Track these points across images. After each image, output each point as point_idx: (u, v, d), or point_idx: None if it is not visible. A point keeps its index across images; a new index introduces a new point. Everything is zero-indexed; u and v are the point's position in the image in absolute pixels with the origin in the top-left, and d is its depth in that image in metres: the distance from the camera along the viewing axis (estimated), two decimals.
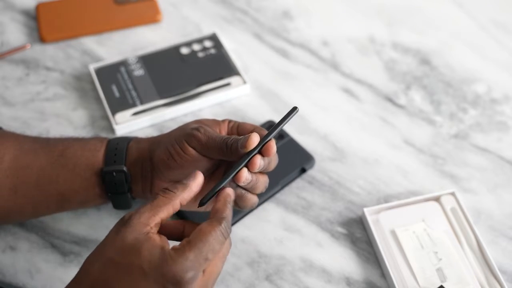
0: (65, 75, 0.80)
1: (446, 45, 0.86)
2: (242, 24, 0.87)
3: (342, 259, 0.65)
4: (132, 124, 0.74)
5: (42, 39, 0.82)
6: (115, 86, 0.77)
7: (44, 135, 0.73)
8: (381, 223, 0.66)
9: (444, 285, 0.61)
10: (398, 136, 0.76)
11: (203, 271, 0.49)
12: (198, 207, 0.53)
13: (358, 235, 0.67)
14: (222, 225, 0.49)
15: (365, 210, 0.66)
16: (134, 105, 0.75)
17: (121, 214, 0.66)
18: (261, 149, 0.54)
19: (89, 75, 0.79)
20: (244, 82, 0.78)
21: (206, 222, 0.49)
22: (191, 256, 0.47)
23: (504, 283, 0.62)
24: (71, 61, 0.81)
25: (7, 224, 0.65)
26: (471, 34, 0.88)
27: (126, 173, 0.60)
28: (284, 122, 0.54)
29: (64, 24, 0.84)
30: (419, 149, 0.74)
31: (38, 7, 0.85)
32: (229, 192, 0.53)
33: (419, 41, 0.86)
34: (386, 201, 0.69)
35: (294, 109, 0.55)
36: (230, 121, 0.60)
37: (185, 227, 0.53)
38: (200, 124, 0.58)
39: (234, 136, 0.55)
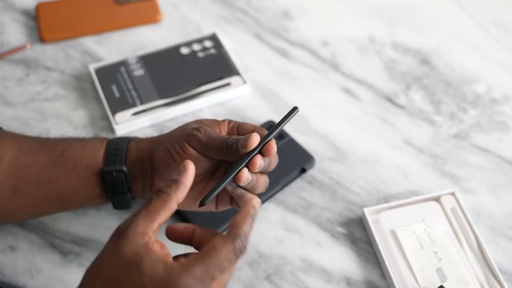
0: (65, 75, 0.80)
1: (446, 45, 0.86)
2: (242, 24, 0.87)
3: (342, 259, 0.65)
4: (132, 124, 0.74)
5: (42, 39, 0.82)
6: (115, 86, 0.77)
7: (44, 135, 0.73)
8: (381, 223, 0.66)
9: (444, 285, 0.61)
10: (398, 136, 0.76)
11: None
12: (198, 207, 0.53)
13: (358, 235, 0.67)
14: (236, 243, 0.46)
15: (365, 210, 0.66)
16: (134, 105, 0.75)
17: (121, 214, 0.67)
18: (262, 149, 0.54)
19: (89, 75, 0.79)
20: (244, 82, 0.78)
21: (220, 237, 0.46)
22: (197, 272, 0.45)
23: (504, 283, 0.62)
24: (71, 61, 0.81)
25: (7, 224, 0.65)
26: (471, 34, 0.88)
27: (126, 173, 0.60)
28: (285, 122, 0.54)
29: (64, 24, 0.84)
30: (419, 149, 0.74)
31: (38, 7, 0.85)
32: (255, 203, 0.49)
33: (419, 41, 0.86)
34: (386, 201, 0.69)
35: (295, 109, 0.55)
36: (230, 121, 0.60)
37: (195, 232, 0.50)
38: (200, 124, 0.58)
39: (235, 136, 0.54)
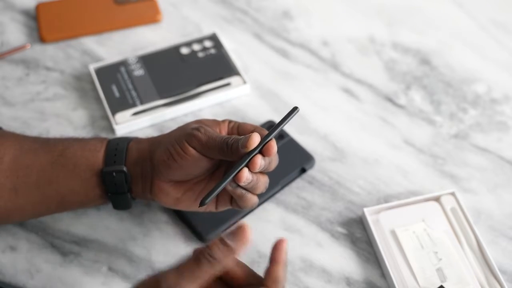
0: (65, 75, 0.80)
1: (446, 45, 0.86)
2: (242, 24, 0.87)
3: (342, 259, 0.65)
4: (132, 124, 0.74)
5: (42, 39, 0.82)
6: (115, 86, 0.77)
7: (44, 135, 0.73)
8: (381, 223, 0.66)
9: (444, 285, 0.61)
10: (398, 136, 0.76)
11: None
12: (198, 207, 0.53)
13: (358, 235, 0.67)
14: None
15: (365, 210, 0.66)
16: (134, 105, 0.75)
17: (121, 214, 0.67)
18: (262, 149, 0.54)
19: (89, 75, 0.79)
20: (244, 82, 0.78)
21: None
22: None
23: (504, 283, 0.62)
24: (71, 61, 0.81)
25: (7, 224, 0.65)
26: (471, 34, 0.88)
27: (126, 174, 0.60)
28: (285, 122, 0.54)
29: (64, 24, 0.84)
30: (419, 149, 0.74)
31: (38, 7, 0.85)
32: (283, 242, 0.50)
33: (419, 41, 0.86)
34: (386, 201, 0.69)
35: (295, 109, 0.55)
36: (230, 121, 0.60)
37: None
38: (200, 124, 0.58)
39: (235, 136, 0.54)
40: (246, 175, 0.53)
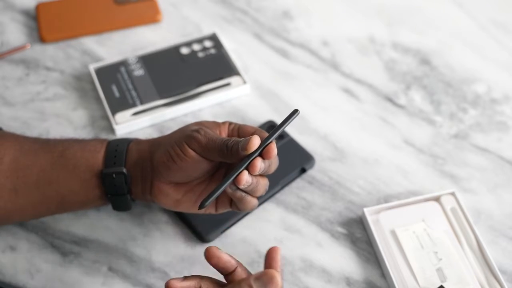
0: (65, 75, 0.80)
1: (446, 45, 0.86)
2: (242, 24, 0.87)
3: (342, 259, 0.65)
4: (132, 124, 0.74)
5: (42, 39, 0.82)
6: (115, 86, 0.77)
7: (44, 135, 0.73)
8: (381, 223, 0.66)
9: (444, 285, 0.61)
10: (398, 136, 0.76)
11: None
12: (198, 209, 0.53)
13: (358, 235, 0.67)
14: None
15: (365, 210, 0.66)
16: (134, 105, 0.75)
17: (121, 214, 0.67)
18: (262, 152, 0.54)
19: (89, 75, 0.79)
20: (244, 82, 0.78)
21: None
22: None
23: (504, 283, 0.62)
24: (71, 61, 0.81)
25: (8, 224, 0.65)
26: (471, 34, 0.88)
27: (126, 175, 0.60)
28: (285, 125, 0.54)
29: (64, 24, 0.84)
30: (419, 149, 0.74)
31: (38, 7, 0.85)
32: (277, 250, 0.52)
33: (419, 41, 0.86)
34: (386, 201, 0.69)
35: (295, 111, 0.55)
36: (230, 123, 0.60)
37: (236, 270, 0.53)
38: (200, 126, 0.58)
39: (235, 138, 0.54)
40: (246, 178, 0.52)
